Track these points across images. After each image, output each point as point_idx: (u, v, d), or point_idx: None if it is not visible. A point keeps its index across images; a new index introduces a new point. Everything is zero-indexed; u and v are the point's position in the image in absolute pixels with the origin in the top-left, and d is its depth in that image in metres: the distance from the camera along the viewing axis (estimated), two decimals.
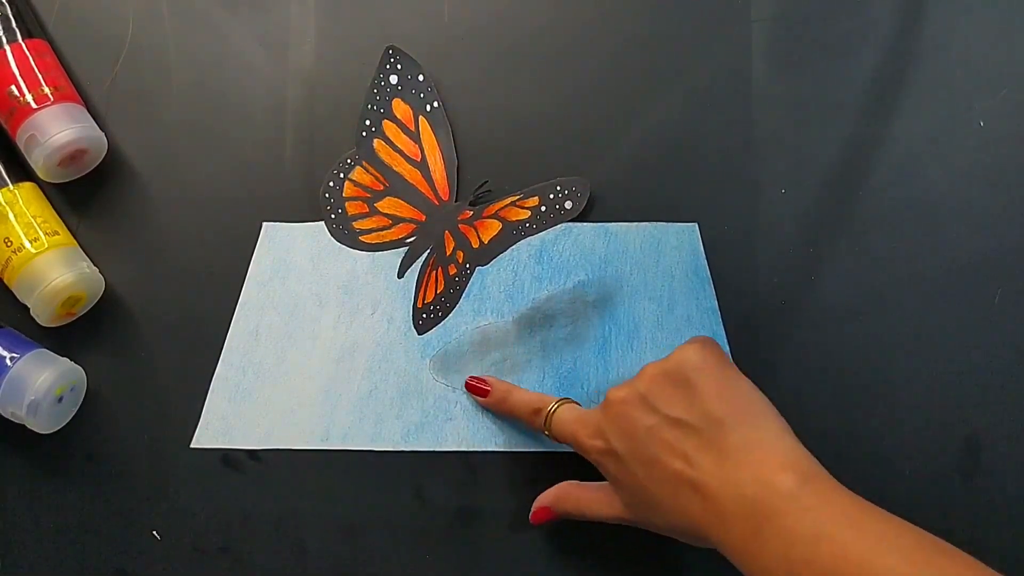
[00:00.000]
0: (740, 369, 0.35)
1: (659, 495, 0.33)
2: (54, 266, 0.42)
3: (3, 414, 0.41)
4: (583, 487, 0.38)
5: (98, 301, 0.45)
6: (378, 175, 0.47)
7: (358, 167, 0.47)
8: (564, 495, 0.38)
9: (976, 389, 0.41)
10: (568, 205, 0.44)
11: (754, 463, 0.31)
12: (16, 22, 0.46)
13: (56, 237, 0.44)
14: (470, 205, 0.45)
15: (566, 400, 0.39)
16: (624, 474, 0.34)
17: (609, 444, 0.35)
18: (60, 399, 0.41)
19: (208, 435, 0.42)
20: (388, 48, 0.47)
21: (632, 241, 0.44)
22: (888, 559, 0.27)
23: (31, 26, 0.47)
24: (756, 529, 0.30)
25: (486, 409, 0.42)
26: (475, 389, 0.42)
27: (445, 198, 0.46)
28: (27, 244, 0.43)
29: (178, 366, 0.43)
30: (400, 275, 0.45)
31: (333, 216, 0.46)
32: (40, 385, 0.40)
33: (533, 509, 0.39)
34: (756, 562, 0.30)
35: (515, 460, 0.41)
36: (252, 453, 0.42)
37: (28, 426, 0.41)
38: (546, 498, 0.39)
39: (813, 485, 0.30)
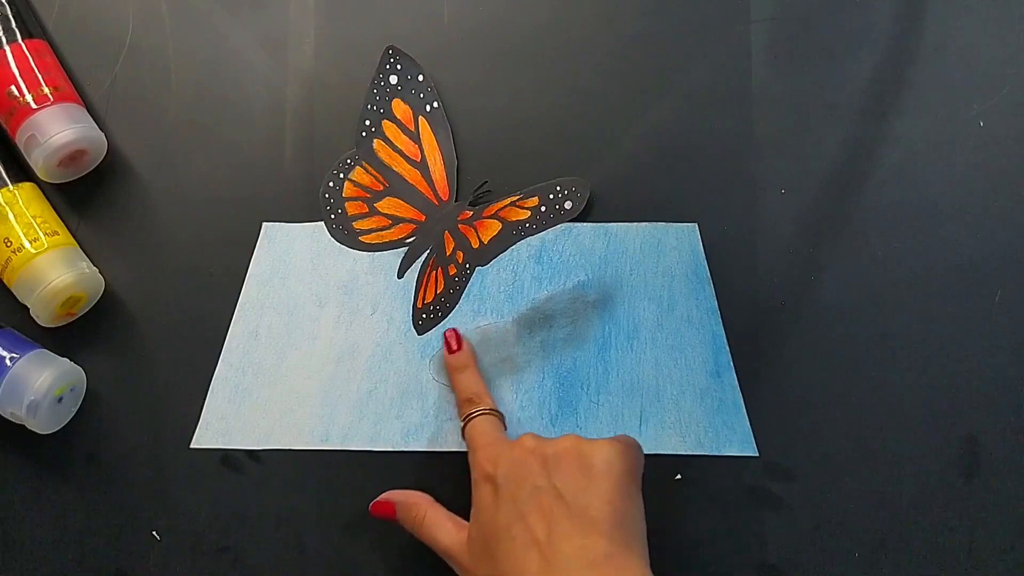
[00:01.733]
0: (740, 370, 0.35)
1: (507, 548, 0.33)
2: (54, 266, 0.42)
3: (3, 414, 0.41)
4: (437, 508, 0.38)
5: (98, 301, 0.45)
6: (378, 175, 0.47)
7: (358, 167, 0.47)
8: (416, 503, 0.38)
9: (976, 389, 0.41)
10: (568, 205, 0.44)
11: (609, 569, 0.31)
12: (16, 22, 0.46)
13: (56, 237, 0.44)
14: (470, 205, 0.45)
15: (494, 413, 0.39)
16: (490, 508, 0.34)
17: (496, 472, 0.35)
18: (60, 399, 0.41)
19: (208, 435, 0.42)
20: (388, 48, 0.47)
21: (632, 241, 0.44)
22: None
23: (31, 26, 0.47)
24: None
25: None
26: (449, 342, 0.42)
27: (445, 198, 0.46)
28: (27, 244, 0.43)
29: (178, 366, 0.43)
30: (400, 275, 0.45)
31: (333, 216, 0.46)
32: (40, 385, 0.40)
33: (380, 498, 0.39)
34: None
35: None
36: (252, 453, 0.42)
37: (28, 426, 0.41)
38: (398, 495, 0.39)
39: None
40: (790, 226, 0.44)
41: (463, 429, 0.39)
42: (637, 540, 0.33)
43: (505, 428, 0.40)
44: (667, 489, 0.40)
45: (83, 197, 0.47)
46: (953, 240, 0.43)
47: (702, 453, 0.40)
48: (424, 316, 0.44)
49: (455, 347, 0.42)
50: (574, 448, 0.34)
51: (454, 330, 0.42)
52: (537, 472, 0.34)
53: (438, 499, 0.39)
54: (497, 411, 0.40)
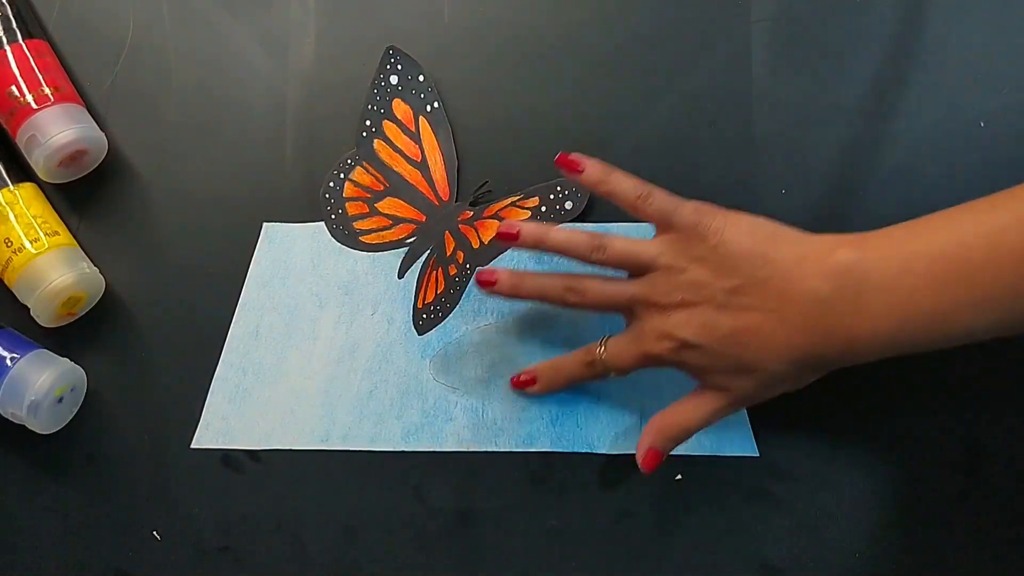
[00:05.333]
0: None
1: (748, 352, 0.34)
2: (54, 266, 0.42)
3: (3, 414, 0.41)
4: (671, 410, 0.37)
5: (98, 301, 0.45)
6: (378, 175, 0.47)
7: (358, 167, 0.47)
8: (662, 427, 0.37)
9: (976, 389, 0.41)
10: (568, 206, 0.44)
11: (809, 273, 0.33)
12: (16, 22, 0.46)
13: (56, 237, 0.44)
14: (470, 205, 0.45)
15: (604, 337, 0.39)
16: (707, 357, 0.35)
17: (679, 338, 0.35)
18: (60, 399, 0.41)
19: (208, 435, 0.42)
20: (388, 48, 0.47)
21: None
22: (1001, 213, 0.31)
23: (31, 26, 0.47)
24: (855, 298, 0.32)
25: (486, 410, 0.42)
26: (522, 384, 0.41)
27: (445, 198, 0.46)
28: (27, 244, 0.43)
29: (178, 366, 0.43)
30: (400, 275, 0.45)
31: (333, 216, 0.46)
32: (40, 385, 0.40)
33: (641, 456, 0.37)
34: (860, 317, 0.32)
35: (515, 460, 0.41)
36: (252, 453, 0.42)
37: (28, 426, 0.41)
38: (647, 440, 0.38)
39: (859, 237, 0.34)
40: (790, 226, 0.44)
41: (616, 374, 0.38)
42: (777, 234, 0.35)
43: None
44: (667, 489, 0.40)
45: (83, 197, 0.47)
46: None
47: (702, 453, 0.40)
48: (424, 316, 0.44)
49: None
50: (678, 240, 0.36)
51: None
52: (708, 295, 0.35)
53: (438, 498, 0.40)
54: (603, 338, 0.39)
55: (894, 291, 0.32)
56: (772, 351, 0.34)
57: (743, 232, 0.35)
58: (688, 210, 0.36)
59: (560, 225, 0.44)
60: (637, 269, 0.38)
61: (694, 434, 0.37)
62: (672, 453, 0.39)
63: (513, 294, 0.40)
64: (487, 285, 0.40)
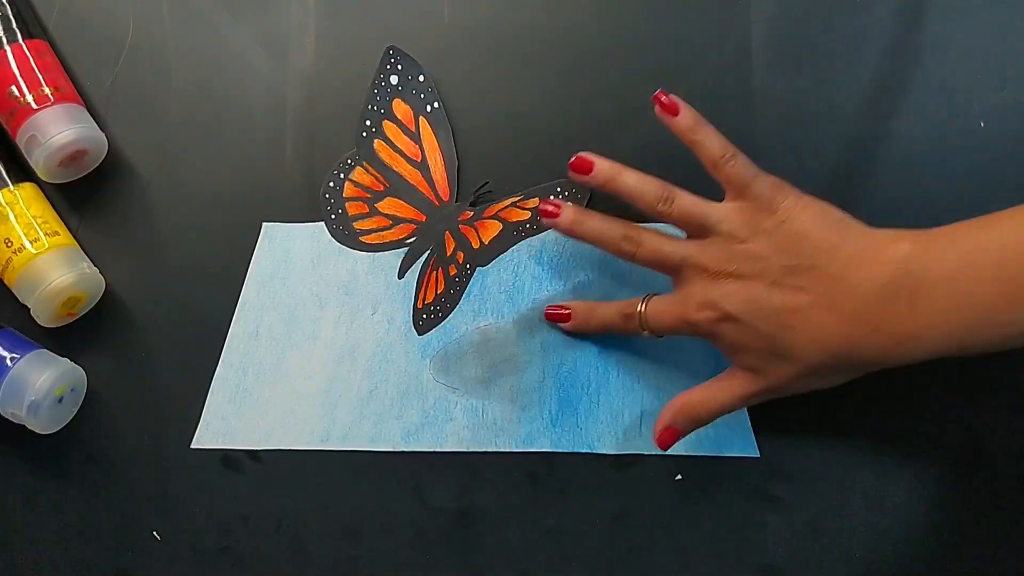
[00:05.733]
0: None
1: (789, 335, 0.33)
2: (54, 266, 0.42)
3: (3, 414, 0.41)
4: (697, 390, 0.37)
5: (98, 301, 0.45)
6: (378, 175, 0.47)
7: (358, 167, 0.47)
8: (683, 405, 0.37)
9: (976, 389, 0.41)
10: None
11: (867, 261, 0.32)
12: (16, 22, 0.46)
13: (56, 237, 0.44)
14: (471, 206, 0.45)
15: (649, 295, 0.39)
16: (746, 334, 0.34)
17: (722, 309, 0.35)
18: (60, 399, 0.41)
19: (208, 435, 0.42)
20: (388, 48, 0.47)
21: None
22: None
23: (31, 26, 0.47)
24: (911, 294, 0.31)
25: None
26: (556, 316, 0.41)
27: (445, 199, 0.46)
28: (27, 244, 0.43)
29: (178, 366, 0.43)
30: (400, 275, 0.45)
31: (333, 216, 0.46)
32: (40, 385, 0.40)
33: (658, 433, 0.38)
34: (908, 321, 0.31)
35: (515, 460, 0.41)
36: (252, 453, 0.42)
37: (28, 426, 0.41)
38: (666, 418, 0.37)
39: (921, 232, 0.33)
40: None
41: (650, 334, 0.38)
42: (842, 224, 0.35)
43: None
44: (667, 489, 0.40)
45: (84, 197, 0.47)
46: None
47: (703, 453, 0.40)
48: (424, 316, 0.44)
49: (566, 312, 0.41)
50: (737, 213, 0.36)
51: (550, 307, 0.42)
52: (743, 263, 0.35)
53: (438, 498, 0.40)
54: (647, 295, 0.39)
55: (954, 283, 0.31)
56: (815, 338, 0.33)
57: (813, 215, 0.35)
58: (766, 182, 0.36)
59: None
60: (699, 231, 0.37)
61: (717, 418, 0.37)
62: (672, 453, 0.39)
63: (572, 230, 0.39)
64: (546, 215, 0.40)
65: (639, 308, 0.38)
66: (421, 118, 0.47)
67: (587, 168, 0.39)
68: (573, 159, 0.39)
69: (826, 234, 0.34)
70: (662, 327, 0.38)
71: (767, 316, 0.34)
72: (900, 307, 0.32)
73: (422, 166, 0.46)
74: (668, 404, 0.38)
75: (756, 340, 0.34)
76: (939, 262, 0.32)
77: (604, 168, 0.39)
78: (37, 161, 0.44)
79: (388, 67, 0.47)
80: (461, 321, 0.43)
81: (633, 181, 0.38)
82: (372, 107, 0.47)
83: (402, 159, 0.47)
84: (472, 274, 0.44)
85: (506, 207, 0.45)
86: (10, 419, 0.41)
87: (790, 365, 0.34)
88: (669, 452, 0.40)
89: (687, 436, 0.38)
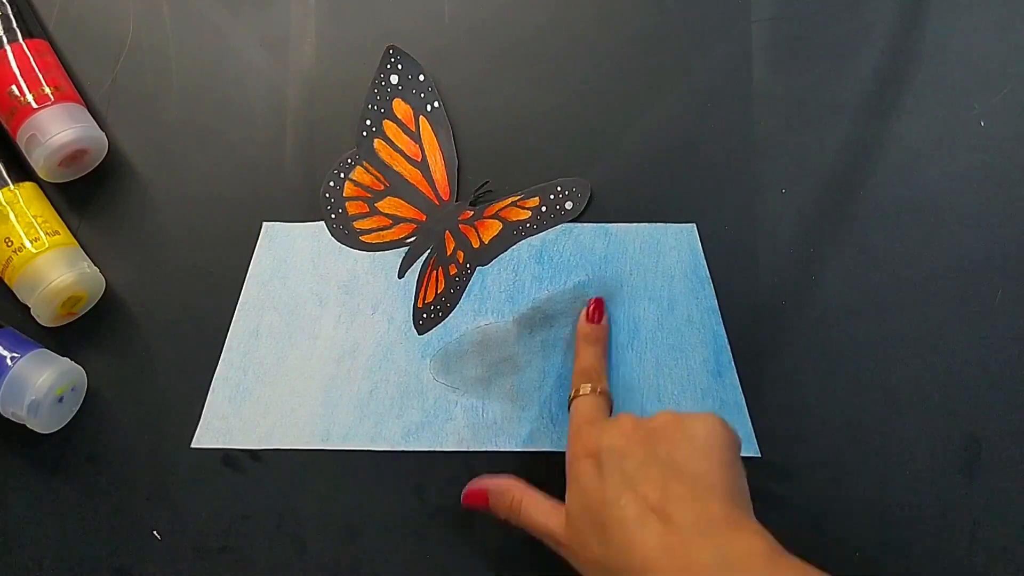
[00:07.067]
0: (740, 370, 0.35)
1: (618, 519, 0.32)
2: (55, 266, 0.42)
3: (4, 414, 0.41)
4: (533, 492, 0.37)
5: (98, 301, 0.45)
6: (378, 175, 0.47)
7: (358, 167, 0.47)
8: (509, 490, 0.37)
9: (976, 389, 0.41)
10: (568, 206, 0.44)
11: (733, 529, 0.30)
12: (16, 22, 0.46)
13: (57, 237, 0.44)
14: (471, 205, 0.45)
15: (604, 396, 0.39)
16: (594, 482, 0.33)
17: (599, 447, 0.34)
18: (61, 399, 0.41)
19: (208, 435, 0.42)
20: (388, 48, 0.47)
21: (632, 241, 0.44)
22: None
23: (31, 26, 0.47)
24: None
25: (486, 410, 0.42)
26: (590, 311, 0.42)
27: (446, 198, 0.46)
28: (28, 244, 0.43)
29: (178, 366, 0.43)
30: (400, 275, 0.45)
31: (333, 216, 0.46)
32: (41, 385, 0.40)
33: (469, 487, 0.38)
34: None
35: (515, 460, 0.41)
36: (252, 453, 0.42)
37: (28, 426, 0.41)
38: (489, 483, 0.38)
39: (787, 556, 0.30)
40: (790, 226, 0.44)
41: (569, 402, 0.39)
42: (749, 507, 0.33)
43: (611, 415, 0.39)
44: None
45: (84, 197, 0.47)
46: (953, 240, 0.43)
47: None
48: (425, 316, 0.44)
49: (596, 319, 0.41)
50: (676, 421, 0.34)
51: (600, 301, 0.42)
52: (643, 445, 0.33)
53: (438, 498, 0.40)
54: (607, 394, 0.39)
55: None
56: (622, 538, 0.31)
57: (724, 465, 0.33)
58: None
59: (559, 226, 0.44)
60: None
61: (524, 526, 0.36)
62: None
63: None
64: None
65: (577, 391, 0.39)
66: (421, 118, 0.47)
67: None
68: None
69: (724, 476, 0.32)
70: (571, 414, 0.38)
71: (618, 479, 0.33)
72: None
73: (422, 166, 0.46)
74: (504, 477, 0.38)
75: (593, 495, 0.33)
76: None
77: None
78: (37, 160, 0.44)
79: (388, 67, 0.47)
80: (461, 321, 0.43)
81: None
82: (372, 107, 0.47)
83: (402, 158, 0.47)
84: (472, 273, 0.44)
85: (506, 206, 0.45)
86: (10, 419, 0.41)
87: (583, 546, 0.33)
88: None
89: None
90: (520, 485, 0.38)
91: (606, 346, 0.42)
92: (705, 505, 0.31)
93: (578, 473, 0.35)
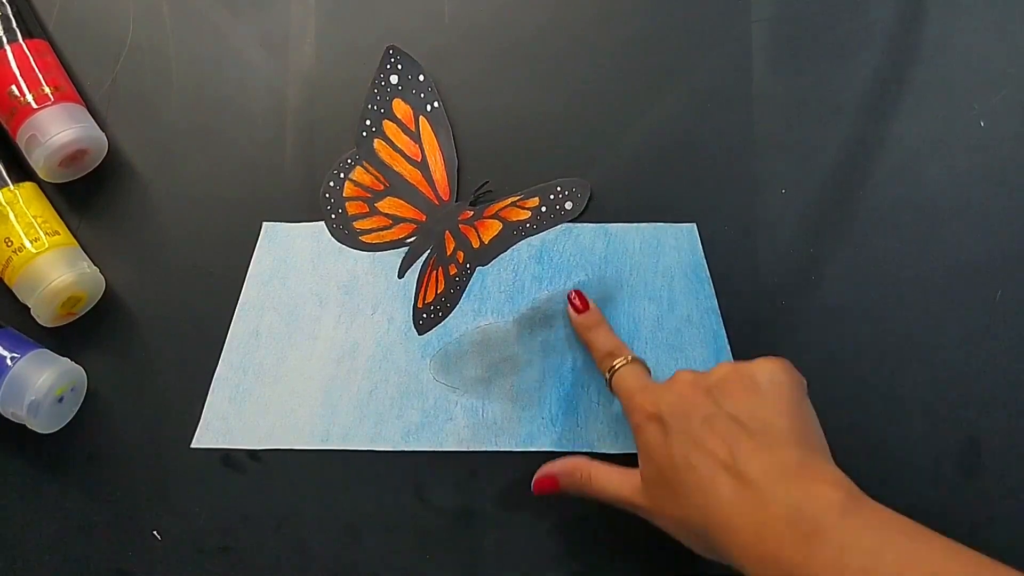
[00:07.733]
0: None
1: (690, 478, 0.32)
2: (55, 266, 0.42)
3: (3, 414, 0.41)
4: (598, 463, 0.37)
5: (98, 301, 0.45)
6: (378, 175, 0.47)
7: (358, 167, 0.47)
8: (576, 467, 0.37)
9: (977, 388, 0.41)
10: (568, 206, 0.44)
11: (805, 478, 0.30)
12: (16, 22, 0.46)
13: (56, 237, 0.44)
14: (470, 205, 0.45)
15: (638, 361, 0.39)
16: (661, 446, 0.33)
17: (659, 411, 0.34)
18: (60, 399, 0.41)
19: (208, 435, 0.42)
20: (388, 48, 0.47)
21: (632, 241, 0.44)
22: (954, 567, 0.27)
23: (31, 26, 0.47)
24: (803, 537, 0.28)
25: (486, 410, 0.42)
26: (574, 303, 0.42)
27: (445, 198, 0.46)
28: (28, 244, 0.43)
29: (178, 366, 0.43)
30: (400, 275, 0.45)
31: (333, 216, 0.46)
32: (41, 385, 0.40)
33: (537, 476, 0.38)
34: (799, 570, 0.28)
35: (515, 460, 0.41)
36: (252, 453, 0.42)
37: (28, 426, 0.41)
38: (555, 467, 0.38)
39: (865, 502, 0.30)
40: (790, 226, 0.44)
41: (609, 382, 0.39)
42: (823, 447, 0.32)
43: (650, 374, 0.39)
44: None
45: (84, 197, 0.47)
46: (953, 240, 0.43)
47: None
48: (424, 316, 0.44)
49: (582, 307, 0.41)
50: (735, 372, 0.34)
51: (577, 292, 0.42)
52: (704, 401, 0.33)
53: (438, 498, 0.40)
54: (641, 360, 0.39)
55: (855, 555, 0.28)
56: (697, 496, 0.32)
57: (790, 411, 0.33)
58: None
59: (559, 226, 0.44)
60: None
61: (599, 498, 0.36)
62: None
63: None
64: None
65: (616, 364, 0.39)
66: (421, 118, 0.47)
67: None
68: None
69: (791, 422, 0.32)
70: (618, 390, 0.38)
71: (684, 440, 0.33)
72: (792, 536, 0.29)
73: (422, 166, 0.46)
74: (568, 458, 0.38)
75: (663, 457, 0.33)
76: (854, 539, 0.28)
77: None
78: (37, 161, 0.44)
79: (388, 67, 0.47)
80: (461, 321, 0.43)
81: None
82: (372, 107, 0.47)
83: (402, 159, 0.47)
84: (472, 274, 0.44)
85: (506, 206, 0.45)
86: (10, 419, 0.41)
87: (663, 506, 0.33)
88: None
89: None
90: (585, 460, 0.37)
91: (608, 325, 0.41)
92: (775, 454, 0.31)
93: (645, 438, 0.34)
